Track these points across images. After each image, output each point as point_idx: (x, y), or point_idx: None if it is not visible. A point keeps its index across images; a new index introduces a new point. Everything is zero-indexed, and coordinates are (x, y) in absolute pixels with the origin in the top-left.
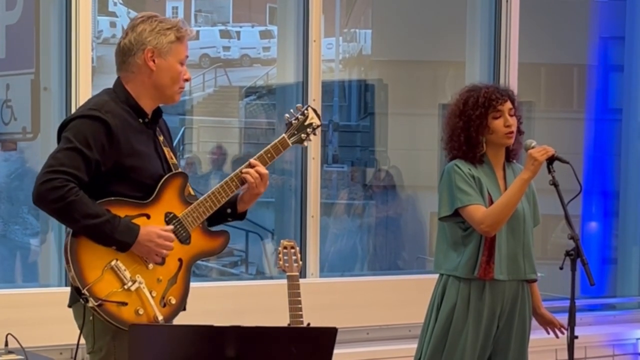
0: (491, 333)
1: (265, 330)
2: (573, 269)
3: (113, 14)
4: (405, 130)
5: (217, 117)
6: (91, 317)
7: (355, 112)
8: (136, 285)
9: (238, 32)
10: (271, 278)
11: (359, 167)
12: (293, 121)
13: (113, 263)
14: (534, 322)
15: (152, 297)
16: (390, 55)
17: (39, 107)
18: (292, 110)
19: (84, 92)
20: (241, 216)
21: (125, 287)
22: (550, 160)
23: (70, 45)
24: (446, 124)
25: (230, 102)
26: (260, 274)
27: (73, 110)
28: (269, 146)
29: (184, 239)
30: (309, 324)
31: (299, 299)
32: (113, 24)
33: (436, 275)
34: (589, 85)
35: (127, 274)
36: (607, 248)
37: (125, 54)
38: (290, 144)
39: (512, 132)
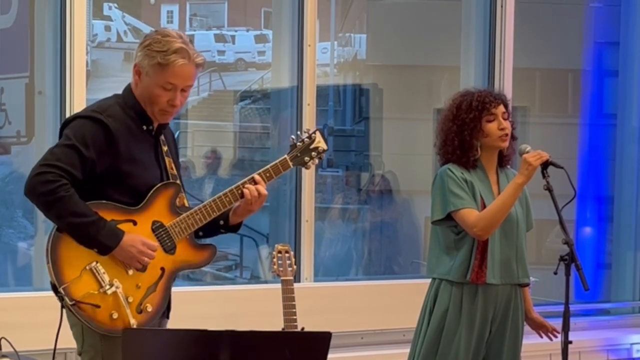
0: (484, 337)
1: (260, 334)
2: (567, 274)
3: (108, 18)
4: (400, 134)
5: (211, 121)
6: None
7: (350, 117)
8: (113, 289)
9: (233, 36)
10: (265, 282)
11: (354, 171)
12: (298, 143)
13: (93, 265)
14: (528, 327)
15: (129, 302)
16: (385, 59)
17: (33, 111)
18: (298, 133)
19: (78, 95)
20: (234, 228)
21: (102, 290)
22: (545, 165)
23: (64, 49)
24: (440, 129)
25: (225, 106)
26: (254, 279)
27: (67, 115)
28: (269, 165)
29: (169, 249)
30: (303, 329)
31: (293, 303)
32: (108, 28)
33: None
34: (584, 90)
35: (106, 277)
36: (602, 253)
37: None
38: (292, 166)
39: (506, 135)
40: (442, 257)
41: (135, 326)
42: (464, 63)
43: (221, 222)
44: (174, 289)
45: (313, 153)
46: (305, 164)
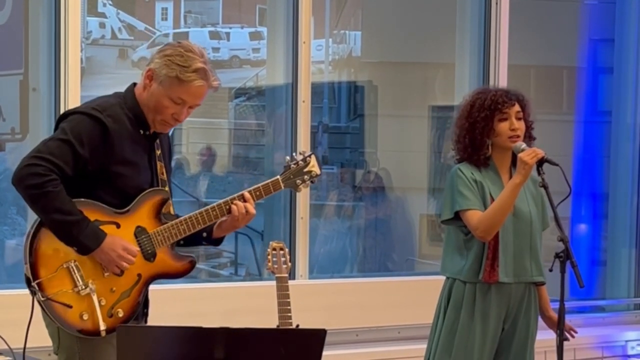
0: (497, 335)
1: (254, 331)
2: (562, 271)
3: (102, 15)
4: (395, 131)
5: (206, 118)
6: None
7: (344, 114)
8: (87, 290)
9: (227, 33)
10: (260, 280)
11: (349, 168)
12: (292, 165)
13: (70, 263)
14: (543, 324)
15: (101, 305)
16: (380, 56)
17: (27, 108)
18: (294, 154)
19: (72, 92)
20: (216, 242)
21: (76, 289)
22: (540, 162)
23: (59, 45)
24: (455, 125)
25: (220, 103)
26: (249, 276)
27: (61, 112)
28: (260, 184)
29: (149, 256)
30: (297, 326)
31: (288, 300)
32: (102, 25)
33: (425, 278)
34: (579, 87)
35: (82, 278)
36: (597, 250)
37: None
38: (283, 187)
39: (517, 136)
40: (454, 256)
41: (103, 330)
42: (458, 60)
43: (204, 235)
44: (168, 287)
45: (305, 176)
46: (296, 187)
